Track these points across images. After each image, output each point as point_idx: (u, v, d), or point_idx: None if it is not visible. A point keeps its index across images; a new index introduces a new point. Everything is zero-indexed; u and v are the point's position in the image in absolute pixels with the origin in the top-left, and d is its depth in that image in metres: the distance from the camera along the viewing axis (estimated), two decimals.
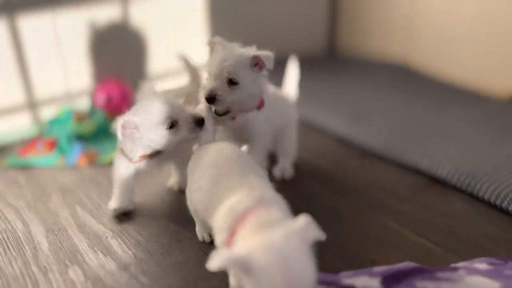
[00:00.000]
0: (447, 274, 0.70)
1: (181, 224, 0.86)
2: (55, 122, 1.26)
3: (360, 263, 0.75)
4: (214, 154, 0.73)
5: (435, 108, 1.37)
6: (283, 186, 0.90)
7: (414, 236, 0.83)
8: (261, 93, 0.89)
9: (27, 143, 1.21)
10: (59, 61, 1.33)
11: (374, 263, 0.75)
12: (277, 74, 1.62)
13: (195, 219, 0.80)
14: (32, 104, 1.31)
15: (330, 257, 0.77)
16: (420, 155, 1.07)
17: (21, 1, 1.21)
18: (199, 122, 0.80)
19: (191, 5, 1.56)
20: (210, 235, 0.79)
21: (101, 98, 1.34)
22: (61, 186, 1.02)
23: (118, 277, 0.74)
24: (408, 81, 1.62)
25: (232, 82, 0.82)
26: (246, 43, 1.74)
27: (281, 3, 1.82)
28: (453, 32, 1.58)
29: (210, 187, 0.68)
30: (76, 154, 1.14)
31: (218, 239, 0.63)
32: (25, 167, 1.11)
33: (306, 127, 1.33)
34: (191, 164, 0.76)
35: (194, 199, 0.73)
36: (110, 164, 1.03)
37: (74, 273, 0.75)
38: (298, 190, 0.99)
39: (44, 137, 1.21)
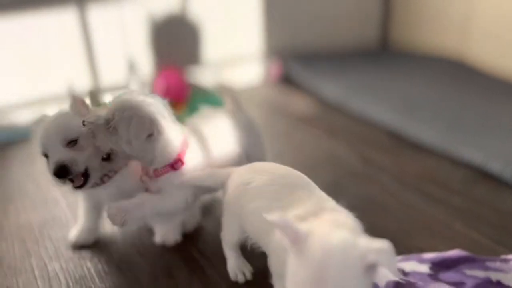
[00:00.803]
0: (497, 264, 0.70)
1: None
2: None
3: (409, 251, 0.77)
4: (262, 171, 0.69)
5: (489, 102, 1.34)
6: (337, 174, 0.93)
7: (463, 228, 0.83)
8: None
9: None
10: (123, 50, 1.42)
11: (423, 251, 0.76)
12: (329, 68, 1.66)
13: (229, 254, 0.73)
14: (100, 91, 1.41)
15: None
16: (472, 149, 1.05)
17: None
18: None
19: (249, 5, 1.61)
20: (245, 274, 0.72)
21: (161, 86, 1.41)
22: None
23: None
24: (462, 76, 1.59)
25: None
26: (300, 36, 1.79)
27: None
28: (510, 27, 1.53)
29: (270, 204, 0.63)
30: None
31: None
32: None
33: (357, 119, 1.35)
34: (232, 192, 0.69)
35: (248, 223, 0.66)
36: None
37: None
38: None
39: None
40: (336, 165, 1.08)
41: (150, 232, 0.83)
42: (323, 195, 0.65)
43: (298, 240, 0.50)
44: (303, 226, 0.51)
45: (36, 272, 0.75)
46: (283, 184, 0.66)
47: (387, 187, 0.97)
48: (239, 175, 0.70)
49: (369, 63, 1.77)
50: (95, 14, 1.33)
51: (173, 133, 0.72)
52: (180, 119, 1.32)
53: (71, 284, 0.72)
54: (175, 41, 1.52)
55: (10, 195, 1.00)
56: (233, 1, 1.58)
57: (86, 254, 0.79)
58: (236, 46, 1.66)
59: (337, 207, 0.61)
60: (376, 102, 1.37)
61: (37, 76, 1.29)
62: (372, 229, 0.81)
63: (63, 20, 1.29)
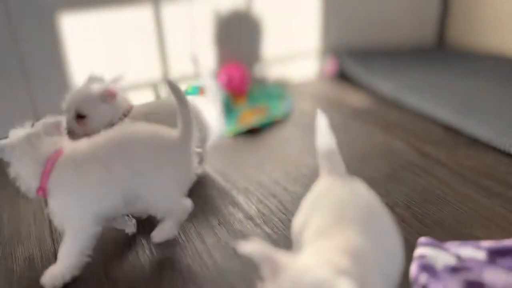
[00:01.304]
0: None
1: None
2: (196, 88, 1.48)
3: (465, 240, 0.80)
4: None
5: None
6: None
7: None
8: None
9: None
10: (191, 44, 1.52)
11: (479, 240, 0.80)
12: (384, 65, 1.69)
13: None
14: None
15: (437, 231, 0.83)
16: None
17: None
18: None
19: (308, 1, 1.68)
20: None
21: (224, 79, 1.50)
22: None
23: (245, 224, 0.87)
24: None
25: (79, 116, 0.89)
26: (359, 33, 1.83)
27: None
28: None
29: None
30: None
31: None
32: None
33: (412, 115, 1.38)
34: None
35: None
36: (232, 135, 1.23)
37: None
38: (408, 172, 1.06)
39: None
40: (392, 157, 1.12)
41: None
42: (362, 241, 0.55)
43: (275, 271, 0.46)
44: (283, 258, 0.47)
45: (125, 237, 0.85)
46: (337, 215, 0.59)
47: (444, 180, 1.01)
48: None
49: (425, 61, 1.78)
50: (167, 10, 1.43)
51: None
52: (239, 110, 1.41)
53: (156, 251, 0.81)
54: (237, 37, 1.60)
55: None
56: (294, 0, 1.65)
57: None
58: (294, 43, 1.72)
59: (358, 254, 0.52)
60: (432, 98, 1.39)
61: (116, 65, 1.41)
62: (429, 219, 0.87)
63: (140, 16, 1.40)
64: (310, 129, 1.29)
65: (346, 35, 1.83)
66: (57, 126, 0.76)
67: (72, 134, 0.85)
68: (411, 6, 1.91)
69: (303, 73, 1.80)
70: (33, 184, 0.74)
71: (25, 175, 0.74)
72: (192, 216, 0.89)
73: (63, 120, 0.77)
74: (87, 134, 0.83)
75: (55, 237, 0.86)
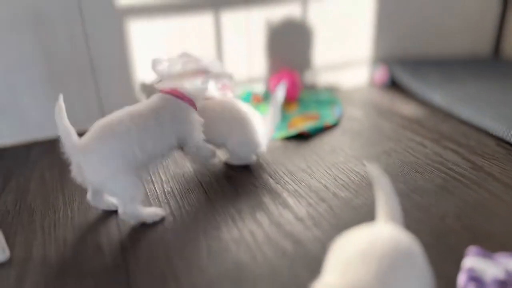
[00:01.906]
0: None
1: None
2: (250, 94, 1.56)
3: None
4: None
5: None
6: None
7: None
8: None
9: None
10: (246, 50, 1.58)
11: None
12: (437, 75, 1.68)
13: None
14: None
15: (487, 243, 0.84)
16: None
17: (223, 1, 1.47)
18: None
19: (361, 6, 1.69)
20: None
21: (275, 85, 1.55)
22: None
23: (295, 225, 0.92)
24: None
25: None
26: (411, 43, 1.84)
27: (447, 4, 1.84)
28: None
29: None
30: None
31: None
32: None
33: (464, 126, 1.37)
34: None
35: None
36: (282, 139, 1.28)
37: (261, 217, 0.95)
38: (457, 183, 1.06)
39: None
40: (443, 169, 1.12)
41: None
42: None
43: None
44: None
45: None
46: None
47: (496, 194, 1.00)
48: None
49: (480, 72, 1.75)
50: (226, 17, 1.50)
51: None
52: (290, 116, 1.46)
53: (213, 242, 0.87)
54: (290, 44, 1.65)
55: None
56: (346, 9, 1.67)
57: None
58: (345, 50, 1.75)
59: None
60: (486, 110, 1.37)
61: None
62: (479, 231, 0.88)
63: (201, 22, 1.47)
64: (359, 136, 1.32)
65: (398, 43, 1.83)
66: None
67: None
68: (466, 15, 1.89)
69: (354, 80, 1.82)
70: None
71: None
72: (244, 215, 0.95)
73: None
74: None
75: (121, 227, 0.93)
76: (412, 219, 0.92)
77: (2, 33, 1.26)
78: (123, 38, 1.39)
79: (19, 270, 0.82)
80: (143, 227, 0.92)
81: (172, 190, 1.07)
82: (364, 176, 1.10)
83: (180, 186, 1.09)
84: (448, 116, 1.47)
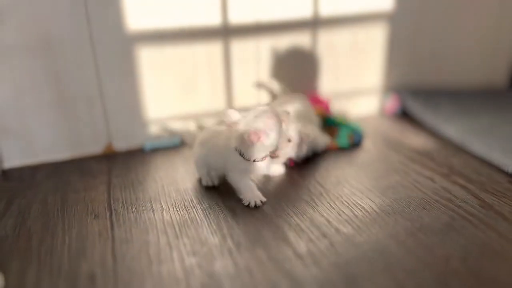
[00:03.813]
0: None
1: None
2: None
3: None
4: None
5: None
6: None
7: None
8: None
9: None
10: (255, 78, 1.58)
11: None
12: (450, 106, 1.65)
13: None
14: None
15: None
16: None
17: (234, 29, 1.48)
18: None
19: (372, 35, 1.69)
20: None
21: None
22: None
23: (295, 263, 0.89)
24: None
25: None
26: (423, 72, 1.82)
27: (460, 34, 1.82)
28: None
29: None
30: None
31: None
32: None
33: (476, 161, 1.33)
34: None
35: None
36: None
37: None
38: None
39: None
40: (451, 206, 1.08)
41: None
42: None
43: None
44: None
45: (176, 264, 0.89)
46: None
47: (505, 235, 0.96)
48: None
49: (495, 104, 1.71)
50: (236, 46, 1.51)
51: None
52: None
53: (206, 279, 0.85)
54: (299, 72, 1.65)
55: (156, 195, 1.18)
56: (357, 37, 1.67)
57: (216, 252, 0.92)
58: (356, 79, 1.74)
59: None
60: (500, 145, 1.33)
61: (187, 95, 1.50)
62: (485, 275, 0.84)
63: (210, 50, 1.48)
64: (366, 168, 1.30)
65: (410, 72, 1.82)
66: None
67: None
68: (481, 45, 1.86)
69: (364, 109, 1.80)
70: None
71: None
72: (242, 249, 0.93)
73: None
74: None
75: (116, 255, 0.92)
76: (414, 259, 0.88)
77: (14, 57, 1.28)
78: (132, 64, 1.40)
79: None
80: (139, 259, 0.91)
81: (171, 219, 1.06)
82: (369, 211, 1.07)
83: (180, 216, 1.08)
84: (459, 149, 1.43)
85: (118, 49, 1.37)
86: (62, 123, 1.40)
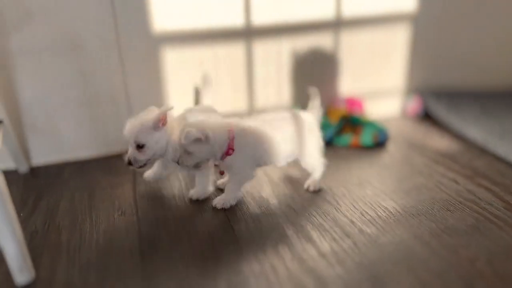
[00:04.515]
0: None
1: None
2: None
3: None
4: None
5: None
6: None
7: None
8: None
9: None
10: (276, 78, 1.59)
11: None
12: (473, 108, 1.63)
13: None
14: (251, 112, 1.60)
15: None
16: None
17: (256, 30, 1.49)
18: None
19: (395, 36, 1.68)
20: None
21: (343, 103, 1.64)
22: (271, 181, 1.25)
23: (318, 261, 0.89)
24: None
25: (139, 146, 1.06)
26: (447, 73, 1.80)
27: (484, 36, 1.80)
28: None
29: None
30: (331, 134, 1.51)
31: None
32: None
33: (501, 163, 1.32)
34: None
35: None
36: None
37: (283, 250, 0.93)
38: None
39: None
40: (475, 207, 1.08)
41: None
42: None
43: None
44: None
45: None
46: None
47: None
48: None
49: None
50: (258, 46, 1.52)
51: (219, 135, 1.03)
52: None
53: (232, 276, 0.86)
54: (321, 73, 1.65)
55: (180, 193, 1.20)
56: (380, 38, 1.66)
57: None
58: (378, 80, 1.73)
59: None
60: None
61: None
62: (510, 278, 0.83)
63: (232, 52, 1.50)
64: (388, 170, 1.30)
65: (433, 74, 1.80)
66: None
67: (136, 162, 1.08)
68: (505, 47, 1.84)
69: (386, 110, 1.79)
70: (223, 149, 1.05)
71: (217, 148, 1.04)
72: (266, 247, 0.94)
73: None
74: (149, 161, 1.09)
75: (144, 250, 0.94)
76: (439, 260, 0.88)
77: (44, 58, 1.32)
78: (157, 64, 1.43)
79: None
80: (163, 256, 0.93)
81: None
82: (393, 212, 1.07)
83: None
84: (483, 151, 1.42)
85: (143, 50, 1.40)
86: (88, 121, 1.43)
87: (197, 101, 1.36)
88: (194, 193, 1.16)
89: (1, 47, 1.28)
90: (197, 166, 1.08)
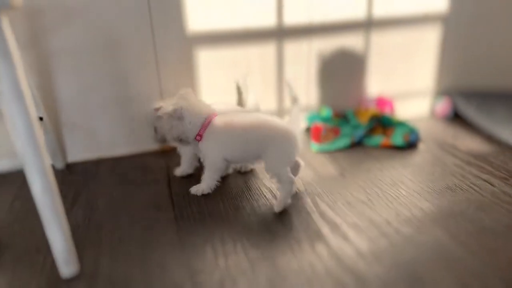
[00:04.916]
0: None
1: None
2: (315, 116, 1.61)
3: None
4: None
5: None
6: None
7: None
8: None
9: (312, 133, 1.53)
10: (305, 78, 1.60)
11: None
12: (505, 109, 1.62)
13: None
14: (280, 111, 1.61)
15: None
16: None
17: (287, 31, 1.51)
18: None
19: (425, 36, 1.67)
20: None
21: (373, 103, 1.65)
22: (302, 179, 1.27)
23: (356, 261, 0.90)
24: None
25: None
26: (477, 74, 1.78)
27: None
28: None
29: None
30: (361, 134, 1.51)
31: None
32: (327, 151, 1.47)
33: None
34: None
35: None
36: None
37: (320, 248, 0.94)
38: None
39: (319, 126, 1.52)
40: (510, 209, 1.07)
41: None
42: None
43: None
44: None
45: (241, 256, 0.92)
46: None
47: None
48: None
49: None
50: (289, 46, 1.53)
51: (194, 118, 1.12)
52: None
53: (271, 273, 0.87)
54: (349, 73, 1.65)
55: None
56: (410, 38, 1.66)
57: None
58: (407, 80, 1.73)
59: None
60: None
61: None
62: None
63: (263, 52, 1.51)
64: (421, 170, 1.30)
65: (463, 75, 1.79)
66: (191, 92, 1.16)
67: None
68: None
69: (414, 111, 1.79)
70: (194, 132, 1.13)
71: (189, 127, 1.13)
72: (302, 245, 0.95)
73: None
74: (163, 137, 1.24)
75: (185, 244, 0.96)
76: (478, 261, 0.88)
77: (82, 57, 1.35)
78: (190, 64, 1.45)
79: (87, 286, 0.86)
80: (204, 249, 0.95)
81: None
82: (428, 212, 1.07)
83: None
84: None
85: (177, 50, 1.43)
86: (123, 120, 1.46)
87: (240, 100, 1.38)
88: (177, 171, 1.32)
89: (42, 46, 1.32)
90: (180, 141, 1.16)
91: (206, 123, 1.13)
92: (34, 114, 0.80)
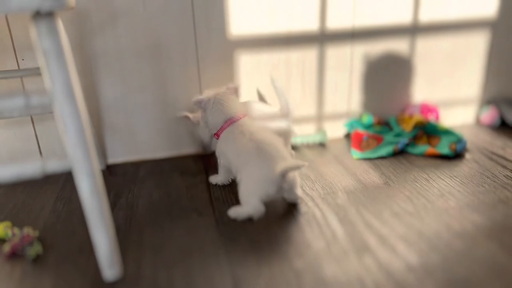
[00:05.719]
0: None
1: None
2: (356, 122, 1.58)
3: None
4: None
5: None
6: None
7: None
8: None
9: (353, 139, 1.51)
10: (347, 84, 1.56)
11: None
12: None
13: None
14: (320, 117, 1.58)
15: None
16: None
17: (329, 36, 1.48)
18: None
19: (472, 43, 1.61)
20: None
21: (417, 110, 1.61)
22: (345, 187, 1.23)
23: (406, 276, 0.86)
24: None
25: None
26: None
27: None
28: None
29: None
30: (405, 142, 1.47)
31: None
32: (369, 158, 1.43)
33: None
34: None
35: None
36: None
37: (368, 259, 0.91)
38: None
39: (361, 133, 1.50)
40: None
41: None
42: None
43: None
44: None
45: (285, 265, 0.90)
46: None
47: None
48: None
49: None
50: (330, 51, 1.50)
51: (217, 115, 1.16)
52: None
53: (318, 285, 0.84)
54: (392, 79, 1.61)
55: None
56: (458, 45, 1.60)
57: None
58: (452, 87, 1.67)
59: None
60: None
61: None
62: None
63: (305, 56, 1.49)
64: (469, 181, 1.24)
65: (511, 83, 1.71)
66: (235, 89, 1.20)
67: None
68: None
69: (459, 118, 1.72)
70: (213, 130, 1.18)
71: (210, 122, 1.18)
72: (349, 255, 0.91)
73: (239, 85, 1.22)
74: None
75: (228, 248, 0.94)
76: None
77: (127, 60, 1.36)
78: (232, 68, 1.44)
79: None
80: (247, 256, 0.93)
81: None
82: (481, 226, 1.02)
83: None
84: None
85: (219, 54, 1.42)
86: (164, 123, 1.46)
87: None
88: (213, 179, 1.29)
89: (87, 49, 1.34)
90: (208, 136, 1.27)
91: (226, 124, 1.14)
92: (85, 116, 0.80)
